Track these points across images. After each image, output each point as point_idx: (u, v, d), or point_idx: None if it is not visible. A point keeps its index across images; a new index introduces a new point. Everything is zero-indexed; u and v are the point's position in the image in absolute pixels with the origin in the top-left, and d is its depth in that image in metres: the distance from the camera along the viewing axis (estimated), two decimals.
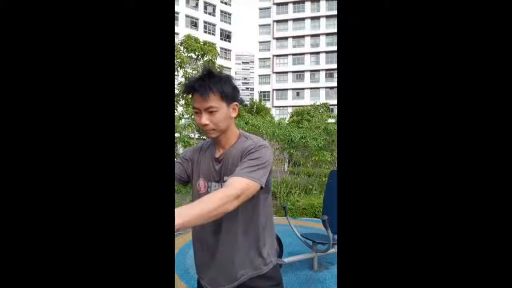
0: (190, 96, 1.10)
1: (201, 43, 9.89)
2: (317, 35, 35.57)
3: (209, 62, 9.99)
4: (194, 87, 1.03)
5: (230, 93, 1.07)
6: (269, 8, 37.77)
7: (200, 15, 30.60)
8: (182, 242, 3.80)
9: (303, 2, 36.15)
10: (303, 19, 36.26)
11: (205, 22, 30.97)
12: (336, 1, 0.86)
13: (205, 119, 1.04)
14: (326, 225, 2.78)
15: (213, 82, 1.03)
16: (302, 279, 2.90)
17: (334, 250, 2.95)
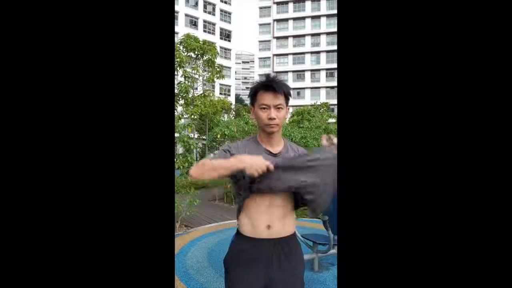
0: (251, 96, 1.25)
1: (200, 42, 9.86)
2: (318, 34, 35.52)
3: (208, 61, 9.96)
4: (271, 85, 1.20)
5: (290, 97, 1.26)
6: (269, 7, 37.73)
7: (199, 14, 30.56)
8: (182, 242, 3.80)
9: (303, 1, 36.11)
10: (303, 18, 36.21)
11: (204, 21, 30.93)
12: (337, 0, 0.86)
13: (274, 114, 1.20)
14: (326, 226, 2.78)
15: (283, 84, 1.23)
16: None
17: (334, 251, 2.95)
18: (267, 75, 1.24)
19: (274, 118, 1.19)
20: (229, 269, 1.25)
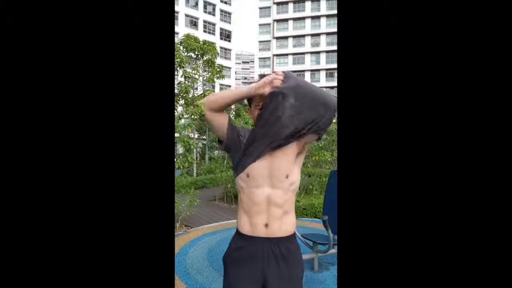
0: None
1: (200, 42, 9.86)
2: (317, 35, 35.57)
3: (208, 61, 9.97)
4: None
5: None
6: (269, 7, 37.77)
7: (200, 14, 30.60)
8: (182, 242, 3.81)
9: (303, 2, 36.15)
10: (303, 18, 36.26)
11: (205, 21, 30.97)
12: (336, 1, 0.86)
13: None
14: (326, 226, 2.78)
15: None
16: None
17: (334, 250, 2.95)
18: (262, 75, 1.26)
19: None
20: (226, 266, 1.25)
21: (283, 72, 1.23)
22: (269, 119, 1.17)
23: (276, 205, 1.19)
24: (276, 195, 1.19)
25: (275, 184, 1.19)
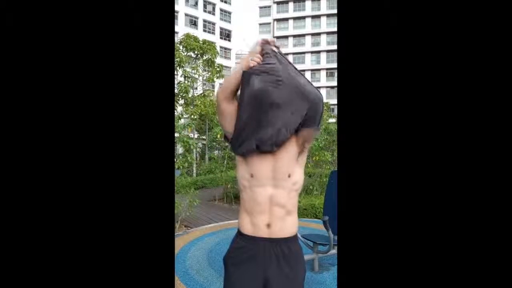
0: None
1: (200, 42, 9.86)
2: (318, 34, 35.62)
3: (208, 61, 9.95)
4: None
5: None
6: (269, 6, 37.81)
7: (199, 13, 30.58)
8: (182, 242, 3.80)
9: (304, 1, 36.19)
10: (303, 17, 36.31)
11: (204, 20, 30.95)
12: (337, 0, 0.86)
13: None
14: (326, 226, 2.78)
15: None
16: None
17: (334, 251, 2.95)
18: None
19: None
20: (226, 266, 1.24)
21: (265, 50, 1.18)
22: (256, 114, 1.13)
23: (279, 205, 1.19)
24: (279, 195, 1.18)
25: (277, 184, 1.18)
